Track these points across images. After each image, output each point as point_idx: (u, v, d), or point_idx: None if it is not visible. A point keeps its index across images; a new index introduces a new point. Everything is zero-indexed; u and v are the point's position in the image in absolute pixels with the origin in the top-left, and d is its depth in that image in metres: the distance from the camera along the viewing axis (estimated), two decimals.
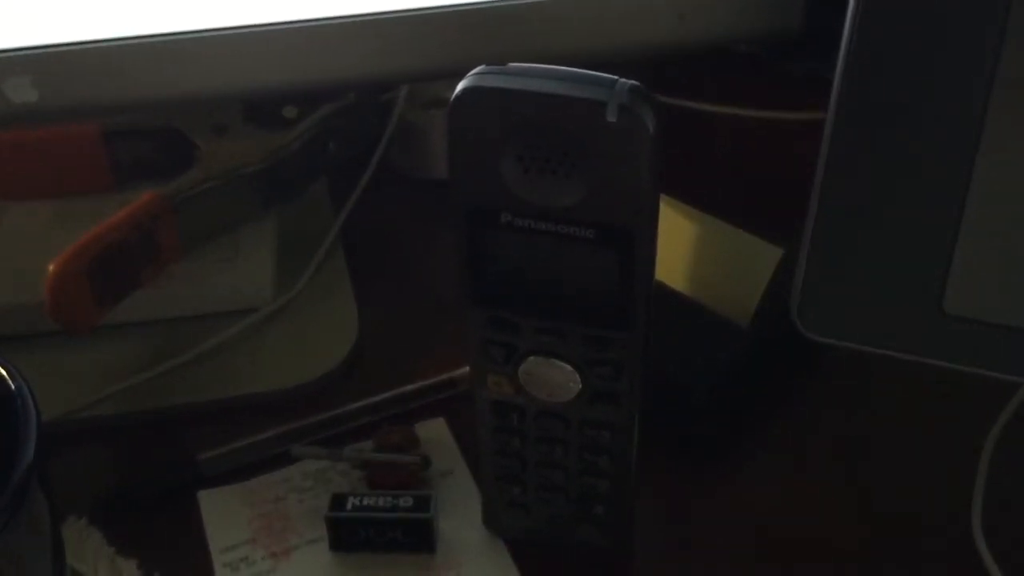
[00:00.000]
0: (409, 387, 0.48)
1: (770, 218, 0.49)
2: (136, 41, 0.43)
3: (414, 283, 0.55)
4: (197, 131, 0.52)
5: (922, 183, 0.36)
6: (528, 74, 0.32)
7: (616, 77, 0.31)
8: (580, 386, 0.37)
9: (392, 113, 0.57)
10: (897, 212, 0.37)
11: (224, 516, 0.44)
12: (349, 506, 0.42)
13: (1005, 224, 0.36)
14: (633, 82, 0.31)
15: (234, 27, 0.44)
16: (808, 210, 0.38)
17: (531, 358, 0.37)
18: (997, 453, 0.44)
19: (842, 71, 0.36)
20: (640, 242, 0.33)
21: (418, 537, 0.42)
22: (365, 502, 0.42)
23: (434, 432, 0.47)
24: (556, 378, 0.37)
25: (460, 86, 0.32)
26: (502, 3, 0.45)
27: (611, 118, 0.31)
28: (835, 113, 0.37)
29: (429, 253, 0.55)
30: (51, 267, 0.45)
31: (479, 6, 0.44)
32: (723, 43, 0.49)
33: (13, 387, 0.32)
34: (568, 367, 0.37)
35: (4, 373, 0.33)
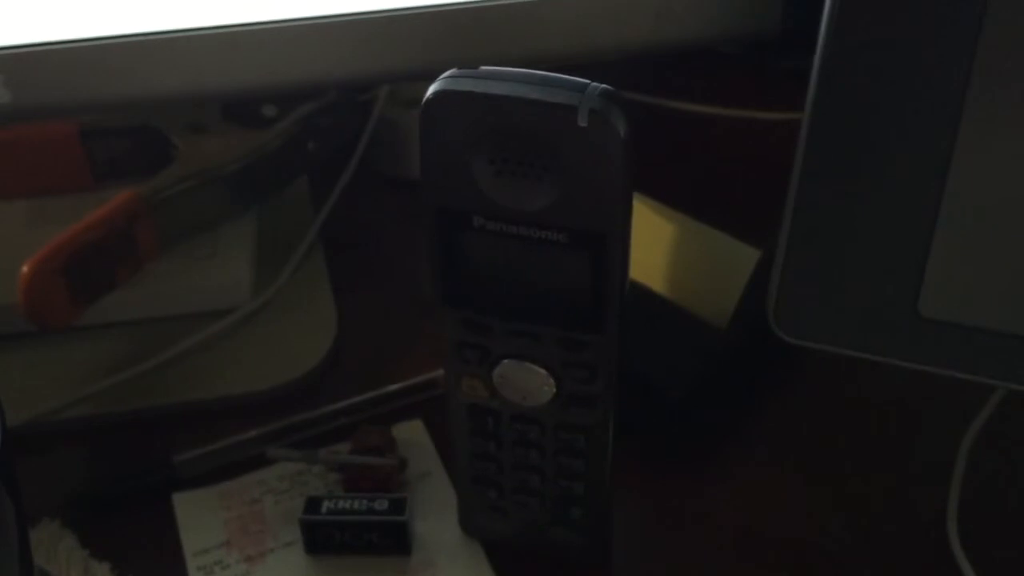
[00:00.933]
0: (387, 389, 0.48)
1: (750, 219, 0.49)
2: (112, 41, 0.43)
3: (393, 284, 0.54)
4: (175, 130, 0.52)
5: (897, 185, 0.36)
6: (500, 77, 0.31)
7: (587, 81, 0.31)
8: (555, 389, 0.37)
9: (372, 112, 0.57)
10: (872, 214, 0.37)
11: (199, 519, 0.44)
12: (324, 509, 0.42)
13: (980, 227, 0.36)
14: (604, 86, 0.31)
15: (211, 27, 0.43)
16: (784, 212, 0.38)
17: (505, 361, 0.37)
18: (974, 454, 0.44)
19: (817, 73, 0.36)
20: (613, 245, 0.33)
21: (393, 540, 0.42)
22: (340, 505, 0.42)
23: (412, 434, 0.47)
24: (530, 381, 0.37)
25: (431, 89, 0.32)
26: (481, 4, 0.44)
27: (582, 122, 0.30)
28: (811, 114, 0.37)
29: (409, 253, 0.55)
30: (25, 267, 0.45)
31: (459, 7, 0.44)
32: (701, 43, 0.49)
33: None
34: (542, 370, 0.37)
35: None
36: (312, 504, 0.42)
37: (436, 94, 0.31)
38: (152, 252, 0.49)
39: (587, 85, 0.31)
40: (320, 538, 0.42)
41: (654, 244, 0.49)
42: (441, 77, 0.32)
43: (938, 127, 0.35)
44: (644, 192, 0.50)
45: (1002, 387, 0.42)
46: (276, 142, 0.53)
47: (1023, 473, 0.46)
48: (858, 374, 0.48)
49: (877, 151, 0.36)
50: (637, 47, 0.47)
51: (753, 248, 0.48)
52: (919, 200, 0.36)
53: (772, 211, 0.38)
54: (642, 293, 0.48)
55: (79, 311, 0.47)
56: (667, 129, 0.61)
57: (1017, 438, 0.46)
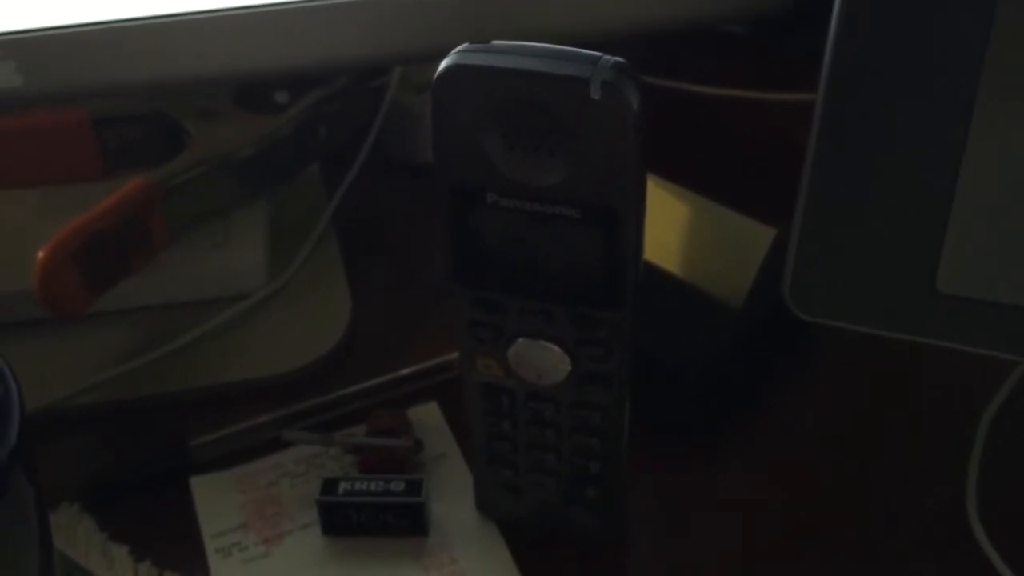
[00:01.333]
0: (401, 372, 0.48)
1: (766, 199, 0.49)
2: (123, 24, 0.43)
3: (407, 268, 0.54)
4: (187, 117, 0.52)
5: (914, 161, 0.36)
6: (511, 52, 0.31)
7: (600, 54, 0.31)
8: (570, 367, 0.37)
9: (384, 97, 0.57)
10: (889, 191, 0.37)
11: (216, 502, 0.44)
12: (341, 490, 0.42)
13: (998, 202, 0.36)
14: (617, 59, 0.31)
15: (222, 9, 0.43)
16: (800, 189, 0.38)
17: (520, 340, 0.37)
18: (992, 433, 0.44)
19: (832, 50, 0.36)
20: (626, 220, 0.33)
21: (410, 521, 0.42)
22: (357, 486, 0.42)
23: (427, 416, 0.47)
24: (545, 360, 0.37)
25: (443, 64, 0.32)
26: None
27: (595, 95, 0.30)
28: (826, 92, 0.36)
29: (422, 238, 0.55)
30: (40, 254, 0.45)
31: None
32: (712, 21, 0.49)
33: None
34: (557, 348, 0.37)
35: None
36: (329, 485, 0.42)
37: (448, 68, 0.31)
38: (165, 239, 0.49)
39: (599, 58, 0.31)
40: (337, 519, 0.42)
41: (669, 225, 0.49)
42: (453, 52, 0.32)
43: (954, 102, 0.35)
44: (658, 173, 0.50)
45: (1022, 363, 0.42)
46: (288, 128, 0.52)
47: None
48: (875, 352, 0.47)
49: (892, 128, 0.36)
50: (648, 25, 0.47)
51: (768, 227, 0.48)
52: (936, 175, 0.36)
53: (787, 190, 0.38)
54: (657, 273, 0.48)
55: (94, 298, 0.47)
56: (681, 111, 0.60)
57: None
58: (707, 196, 0.50)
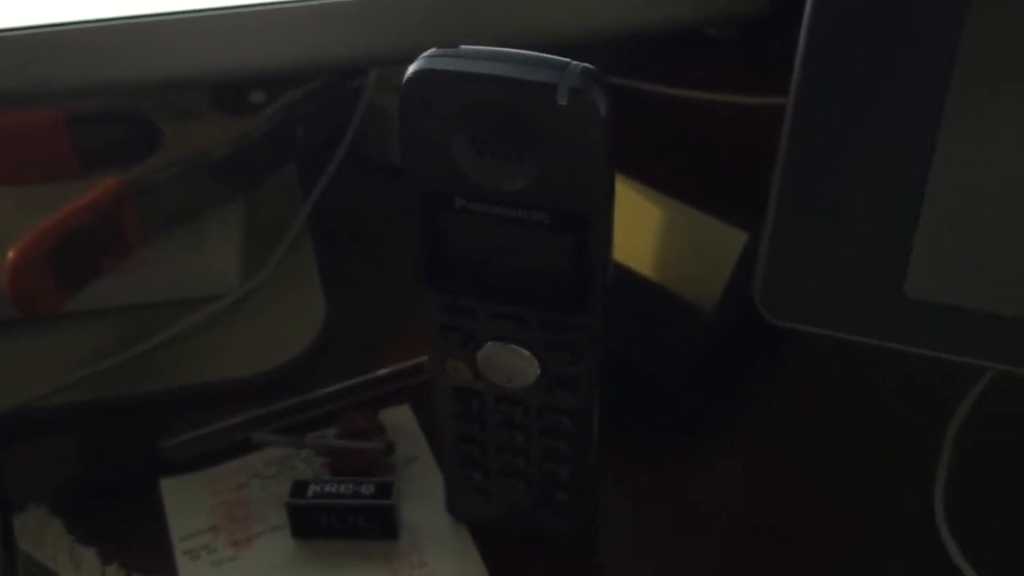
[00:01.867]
0: (373, 374, 0.48)
1: (742, 203, 0.49)
2: (99, 24, 0.43)
3: (381, 270, 0.54)
4: (162, 116, 0.52)
5: (883, 167, 0.36)
6: (480, 56, 0.31)
7: (568, 60, 0.31)
8: (539, 371, 0.37)
9: (361, 98, 0.57)
10: (858, 196, 0.37)
11: (186, 503, 0.44)
12: (310, 493, 0.42)
13: (966, 208, 0.36)
14: (585, 65, 0.31)
15: (195, 10, 0.43)
16: (770, 194, 0.38)
17: (489, 343, 0.37)
18: (961, 437, 0.44)
19: (802, 55, 0.36)
20: (595, 225, 0.33)
21: (380, 524, 0.42)
22: (326, 489, 0.42)
23: (399, 418, 0.47)
24: (515, 363, 0.37)
25: (411, 69, 0.32)
26: None
27: (562, 101, 0.30)
28: (796, 97, 0.36)
29: (397, 240, 0.55)
30: (11, 253, 0.44)
31: None
32: (689, 25, 0.49)
33: None
34: (526, 352, 0.37)
35: None
36: (298, 488, 0.42)
37: (416, 73, 0.31)
38: (139, 239, 0.49)
39: (567, 64, 0.31)
40: (306, 522, 0.42)
41: (642, 228, 0.49)
42: (421, 56, 0.32)
43: (923, 109, 0.35)
44: (633, 176, 0.50)
45: (990, 368, 0.42)
46: (263, 129, 0.52)
47: (1010, 455, 0.46)
48: (848, 356, 0.47)
49: (862, 133, 0.36)
50: (625, 28, 0.47)
51: (742, 232, 0.48)
52: (905, 182, 0.36)
53: (762, 194, 0.38)
54: (630, 277, 0.48)
55: (66, 298, 0.47)
56: (657, 114, 0.60)
57: (1004, 421, 0.46)
58: (682, 199, 0.50)
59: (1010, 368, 0.38)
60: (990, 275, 0.36)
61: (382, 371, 0.48)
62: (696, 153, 0.59)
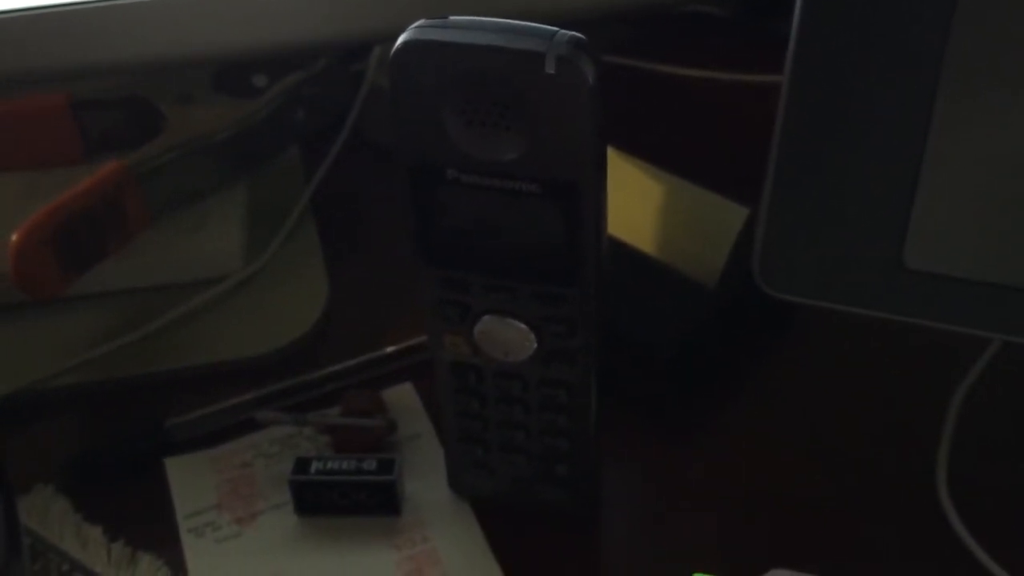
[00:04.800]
0: (376, 353, 0.48)
1: (743, 179, 0.49)
2: (98, 5, 0.43)
3: (383, 251, 0.54)
4: (164, 100, 0.52)
5: (880, 138, 0.36)
6: (468, 27, 0.31)
7: (556, 29, 0.31)
8: (535, 345, 0.37)
9: (363, 81, 0.57)
10: (855, 167, 0.37)
11: (191, 482, 0.44)
12: (313, 469, 0.42)
13: (963, 177, 0.36)
14: (573, 33, 0.31)
15: None
16: (767, 167, 0.38)
17: (485, 317, 0.37)
18: (964, 410, 0.44)
19: (797, 27, 0.36)
20: (585, 195, 0.33)
21: (382, 500, 0.42)
22: (329, 465, 0.42)
23: (402, 397, 0.47)
24: (511, 337, 0.37)
25: (400, 40, 0.32)
26: None
27: (550, 69, 0.30)
28: (792, 70, 0.36)
29: (399, 221, 0.55)
30: (13, 236, 0.45)
31: None
32: (689, 2, 0.49)
33: None
34: (522, 326, 0.37)
35: None
36: (301, 465, 0.42)
37: (404, 44, 0.31)
38: (141, 222, 0.50)
39: (555, 33, 0.31)
40: (310, 498, 0.43)
41: (643, 204, 0.49)
42: (409, 28, 0.32)
43: (919, 80, 0.35)
44: (634, 153, 0.50)
45: (996, 339, 0.42)
46: (265, 112, 0.53)
47: (1012, 428, 0.45)
48: (849, 331, 0.47)
49: (858, 105, 0.36)
50: (629, 5, 0.47)
51: (742, 207, 0.48)
52: (902, 152, 0.36)
53: (761, 170, 0.38)
54: (631, 253, 0.48)
55: (69, 281, 0.47)
56: (659, 92, 0.60)
57: (1007, 393, 0.46)
58: (683, 176, 0.50)
59: (1011, 338, 0.38)
60: (988, 244, 0.36)
61: (384, 350, 0.48)
62: (697, 130, 0.58)
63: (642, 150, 0.50)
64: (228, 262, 0.52)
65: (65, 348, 0.49)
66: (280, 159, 0.56)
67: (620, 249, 0.47)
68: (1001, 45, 0.34)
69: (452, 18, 0.32)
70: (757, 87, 0.59)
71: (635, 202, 0.49)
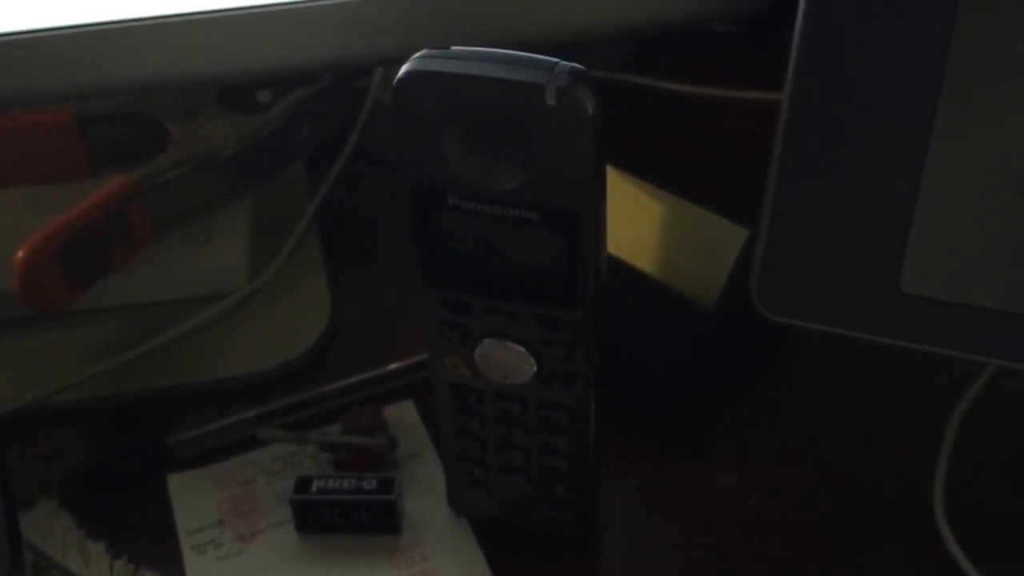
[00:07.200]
0: (377, 371, 0.48)
1: (741, 199, 0.49)
2: (104, 27, 0.43)
3: (387, 267, 0.55)
4: (169, 116, 0.52)
5: (878, 162, 0.36)
6: (469, 57, 0.32)
7: (556, 60, 0.31)
8: (535, 368, 0.37)
9: (367, 97, 0.57)
10: (853, 191, 0.37)
11: (193, 498, 0.45)
12: (314, 488, 0.43)
13: (961, 203, 0.36)
14: (573, 64, 0.31)
15: (199, 12, 0.44)
16: (766, 190, 0.38)
17: (486, 340, 0.37)
18: (961, 433, 0.44)
19: (797, 50, 0.36)
20: (585, 223, 0.33)
21: (383, 518, 0.43)
22: (330, 484, 0.43)
23: (403, 415, 0.48)
24: (511, 360, 0.37)
25: (402, 70, 0.32)
26: None
27: (550, 101, 0.31)
28: (791, 92, 0.37)
29: (403, 237, 0.55)
30: (20, 252, 0.45)
31: None
32: (691, 22, 0.49)
33: None
34: (522, 349, 0.37)
35: None
36: (302, 484, 0.43)
37: (406, 74, 0.32)
38: (147, 237, 0.50)
39: (556, 64, 0.31)
40: (310, 517, 0.43)
41: (643, 224, 0.50)
42: (412, 57, 0.32)
43: (918, 103, 0.35)
44: (634, 171, 0.50)
45: (991, 363, 0.42)
46: (270, 128, 0.53)
47: (1010, 450, 0.46)
48: (847, 351, 0.47)
49: (857, 128, 0.36)
50: (627, 26, 0.47)
51: (742, 227, 0.48)
52: (900, 177, 0.36)
53: (762, 191, 0.38)
54: (631, 273, 0.48)
55: (75, 296, 0.48)
56: (660, 110, 0.61)
57: (1004, 416, 0.46)
58: (683, 195, 0.50)
59: (1009, 364, 0.38)
60: (985, 270, 0.36)
61: (385, 368, 0.49)
62: (699, 149, 0.59)
63: (642, 167, 0.50)
64: (232, 277, 0.52)
65: (69, 363, 0.49)
66: (284, 175, 0.56)
67: (620, 268, 0.48)
68: (1000, 71, 0.34)
69: (454, 48, 0.32)
70: (758, 105, 0.59)
71: (635, 222, 0.49)
